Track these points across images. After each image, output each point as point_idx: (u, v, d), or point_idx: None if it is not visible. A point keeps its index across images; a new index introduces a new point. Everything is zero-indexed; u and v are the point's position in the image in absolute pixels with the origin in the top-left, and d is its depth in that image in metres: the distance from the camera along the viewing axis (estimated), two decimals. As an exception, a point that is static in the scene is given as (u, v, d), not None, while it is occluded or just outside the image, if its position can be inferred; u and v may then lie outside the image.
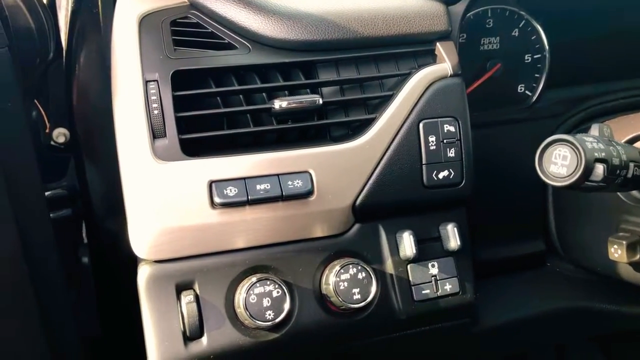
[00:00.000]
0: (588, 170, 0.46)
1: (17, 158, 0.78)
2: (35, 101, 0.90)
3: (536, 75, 0.82)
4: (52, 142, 0.92)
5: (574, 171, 0.46)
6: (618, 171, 0.49)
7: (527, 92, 0.82)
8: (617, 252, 0.61)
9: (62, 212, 0.91)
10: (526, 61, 0.82)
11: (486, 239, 0.75)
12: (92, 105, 0.81)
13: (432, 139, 0.62)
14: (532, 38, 0.81)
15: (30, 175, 0.83)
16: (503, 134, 0.77)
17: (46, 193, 0.89)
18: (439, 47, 0.65)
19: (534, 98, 0.82)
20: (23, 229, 0.79)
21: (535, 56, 0.82)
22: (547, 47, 0.81)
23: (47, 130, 0.92)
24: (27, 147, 0.81)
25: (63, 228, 0.91)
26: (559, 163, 0.47)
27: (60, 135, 0.91)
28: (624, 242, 0.60)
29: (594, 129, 0.52)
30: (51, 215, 0.89)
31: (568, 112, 0.77)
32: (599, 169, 0.46)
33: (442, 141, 0.62)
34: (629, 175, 0.50)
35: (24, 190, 0.81)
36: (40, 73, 0.87)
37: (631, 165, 0.50)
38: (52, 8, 0.86)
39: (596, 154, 0.46)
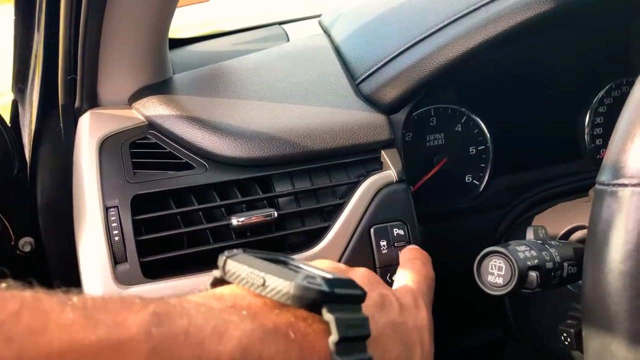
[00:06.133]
0: (522, 279, 0.49)
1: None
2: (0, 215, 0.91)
3: (482, 165, 0.88)
4: (18, 252, 0.92)
5: (509, 281, 0.49)
6: (553, 273, 0.53)
7: (474, 181, 0.88)
8: (567, 340, 0.64)
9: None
10: (471, 153, 0.87)
11: (446, 331, 0.77)
12: (57, 215, 0.83)
13: (383, 243, 0.65)
14: (475, 132, 0.87)
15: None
16: (455, 227, 0.81)
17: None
18: (384, 155, 0.69)
19: (482, 186, 0.87)
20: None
21: (479, 148, 0.87)
22: (489, 138, 0.87)
23: (12, 242, 0.93)
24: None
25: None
26: (495, 273, 0.50)
27: (26, 244, 0.92)
28: (572, 331, 0.63)
29: (529, 233, 0.56)
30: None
31: (514, 201, 0.82)
32: (532, 277, 0.49)
33: (393, 244, 0.65)
34: (564, 274, 0.54)
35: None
36: (5, 188, 0.89)
37: (565, 265, 0.54)
38: (15, 127, 0.89)
39: (529, 263, 0.50)
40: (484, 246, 0.54)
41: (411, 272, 0.56)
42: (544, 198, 0.82)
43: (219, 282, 0.40)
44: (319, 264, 0.49)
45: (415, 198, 0.69)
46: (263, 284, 0.36)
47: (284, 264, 0.41)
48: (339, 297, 0.37)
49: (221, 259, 0.39)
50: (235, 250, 0.40)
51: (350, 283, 0.39)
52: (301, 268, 0.40)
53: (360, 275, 0.49)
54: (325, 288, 0.36)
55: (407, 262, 0.59)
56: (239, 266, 0.38)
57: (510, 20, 0.64)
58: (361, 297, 0.39)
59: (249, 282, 0.37)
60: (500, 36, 0.65)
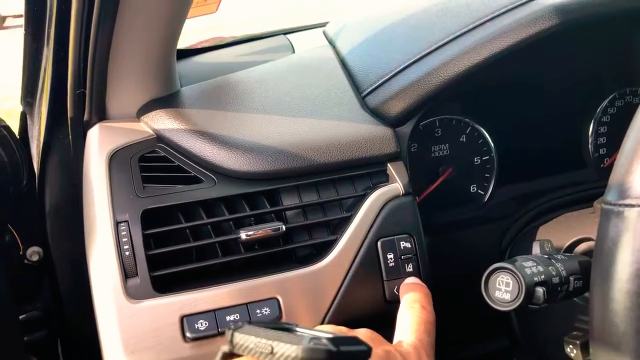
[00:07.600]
0: (529, 295, 0.50)
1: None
2: (8, 225, 0.92)
3: (486, 175, 0.88)
4: (26, 261, 0.93)
5: (516, 297, 0.50)
6: (559, 288, 0.53)
7: (479, 191, 0.88)
8: (572, 352, 0.64)
9: (37, 334, 0.92)
10: (476, 163, 0.88)
11: (452, 341, 0.78)
12: (64, 225, 0.84)
13: (390, 256, 0.66)
14: (479, 142, 0.87)
15: (3, 300, 0.84)
16: (461, 238, 0.81)
17: (20, 317, 0.90)
18: (390, 168, 0.70)
19: (487, 196, 0.88)
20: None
21: (483, 158, 0.88)
22: (493, 148, 0.88)
23: (20, 252, 0.94)
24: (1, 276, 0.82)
25: (39, 350, 0.91)
26: (502, 289, 0.51)
27: (34, 253, 0.93)
28: (578, 342, 0.63)
29: (535, 247, 0.57)
30: (25, 338, 0.89)
31: (519, 212, 0.82)
32: (539, 292, 0.50)
33: (400, 257, 0.66)
34: (570, 288, 0.55)
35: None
36: (13, 199, 0.89)
37: (571, 279, 0.55)
38: (23, 139, 0.90)
39: (536, 278, 0.50)
40: (490, 257, 0.54)
41: (411, 319, 0.57)
42: (549, 208, 0.82)
43: (228, 356, 0.42)
44: (322, 328, 0.51)
45: (421, 208, 0.70)
46: (271, 352, 0.37)
47: (289, 330, 0.42)
48: (345, 354, 0.38)
49: (228, 333, 0.40)
50: (240, 323, 0.41)
51: (355, 340, 0.40)
52: (306, 332, 0.42)
53: (363, 334, 0.51)
54: (331, 347, 0.37)
55: (406, 307, 0.60)
56: (246, 337, 0.39)
57: (517, 36, 0.65)
58: (366, 352, 0.40)
59: (258, 352, 0.38)
60: (506, 51, 0.66)
